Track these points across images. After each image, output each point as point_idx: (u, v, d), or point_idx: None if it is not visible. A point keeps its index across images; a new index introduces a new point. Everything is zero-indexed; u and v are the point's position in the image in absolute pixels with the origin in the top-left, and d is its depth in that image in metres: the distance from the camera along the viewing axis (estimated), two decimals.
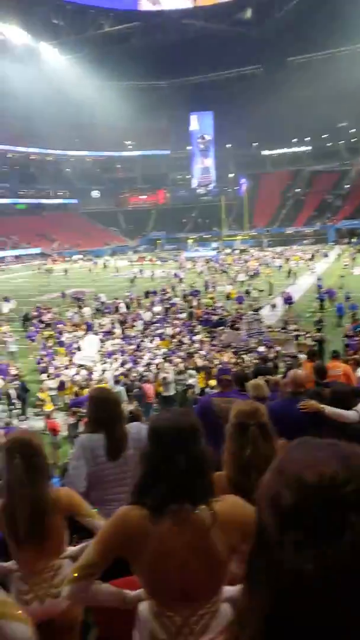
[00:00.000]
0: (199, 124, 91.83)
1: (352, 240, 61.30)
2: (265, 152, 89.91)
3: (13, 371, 16.14)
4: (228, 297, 29.45)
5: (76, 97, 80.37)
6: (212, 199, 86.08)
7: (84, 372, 15.59)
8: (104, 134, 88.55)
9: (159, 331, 21.30)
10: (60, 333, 21.66)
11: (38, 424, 13.01)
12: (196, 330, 21.55)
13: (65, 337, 20.97)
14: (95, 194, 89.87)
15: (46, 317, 24.83)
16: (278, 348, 17.56)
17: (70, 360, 17.28)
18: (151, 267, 48.69)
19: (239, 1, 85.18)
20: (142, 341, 19.72)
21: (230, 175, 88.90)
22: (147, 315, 24.71)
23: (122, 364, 16.26)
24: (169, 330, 21.21)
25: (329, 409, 3.86)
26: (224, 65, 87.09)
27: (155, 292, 31.11)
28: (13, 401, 14.53)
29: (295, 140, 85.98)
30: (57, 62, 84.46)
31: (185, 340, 19.36)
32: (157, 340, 19.91)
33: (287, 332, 20.02)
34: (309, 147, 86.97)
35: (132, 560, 1.63)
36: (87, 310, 26.51)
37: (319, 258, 48.41)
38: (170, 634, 1.57)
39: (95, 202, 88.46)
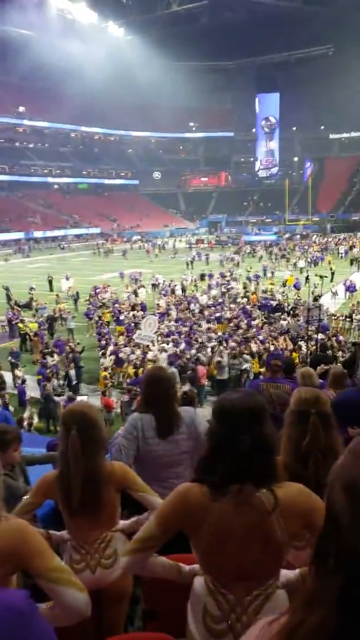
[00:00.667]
0: (265, 105, 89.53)
1: None
2: (333, 136, 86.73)
3: (68, 347, 16.54)
4: (284, 283, 28.89)
5: (141, 78, 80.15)
6: (275, 182, 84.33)
7: (138, 352, 15.81)
8: (167, 114, 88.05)
9: (217, 314, 21.22)
10: (120, 312, 22.00)
11: (93, 400, 13.36)
12: (254, 315, 21.31)
13: (123, 316, 21.30)
14: (156, 175, 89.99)
15: (104, 297, 25.32)
16: (341, 338, 17.10)
17: (128, 339, 17.52)
18: (209, 250, 48.47)
19: None
20: (197, 324, 19.70)
21: (295, 159, 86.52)
22: (203, 299, 24.67)
23: (176, 346, 16.34)
24: (227, 314, 21.10)
25: None
26: (292, 46, 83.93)
27: (211, 275, 30.96)
28: (70, 374, 14.90)
29: None
30: (124, 41, 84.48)
31: (243, 324, 19.19)
32: (213, 324, 19.85)
33: (352, 321, 19.45)
34: None
35: (191, 536, 1.65)
36: (142, 291, 26.82)
37: None
38: (223, 611, 1.59)
39: (156, 183, 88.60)
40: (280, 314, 21.59)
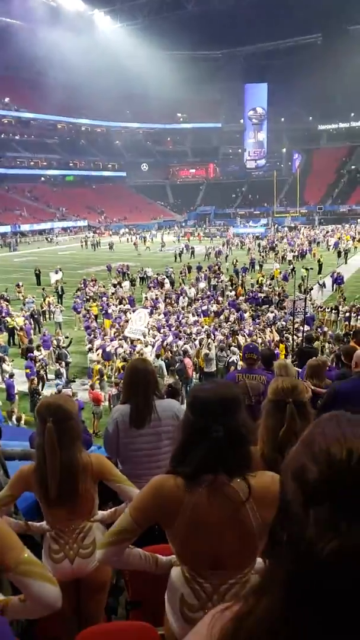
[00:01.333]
0: (253, 96, 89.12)
1: None
2: (322, 127, 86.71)
3: (55, 341, 16.47)
4: (272, 276, 28.96)
5: (128, 68, 79.25)
6: (263, 174, 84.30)
7: (126, 346, 15.78)
8: (155, 105, 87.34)
9: (204, 307, 21.24)
10: (108, 305, 21.92)
11: (82, 394, 13.33)
12: (244, 308, 21.37)
13: (111, 310, 21.23)
14: (144, 166, 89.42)
15: (91, 290, 25.19)
16: (325, 329, 17.21)
17: (115, 333, 17.47)
18: (197, 242, 48.35)
19: None
20: (184, 317, 19.71)
21: (283, 150, 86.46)
22: (191, 292, 24.68)
23: (163, 339, 16.34)
24: (214, 307, 21.12)
25: None
26: (280, 35, 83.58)
27: (200, 268, 30.94)
28: (61, 370, 14.84)
29: (353, 114, 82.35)
30: (110, 30, 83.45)
31: (231, 317, 19.25)
32: (200, 317, 19.88)
33: (338, 313, 19.58)
34: None
35: (166, 527, 1.66)
36: (126, 285, 26.75)
37: None
38: (200, 600, 1.62)
39: (143, 175, 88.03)
40: (268, 306, 21.72)
